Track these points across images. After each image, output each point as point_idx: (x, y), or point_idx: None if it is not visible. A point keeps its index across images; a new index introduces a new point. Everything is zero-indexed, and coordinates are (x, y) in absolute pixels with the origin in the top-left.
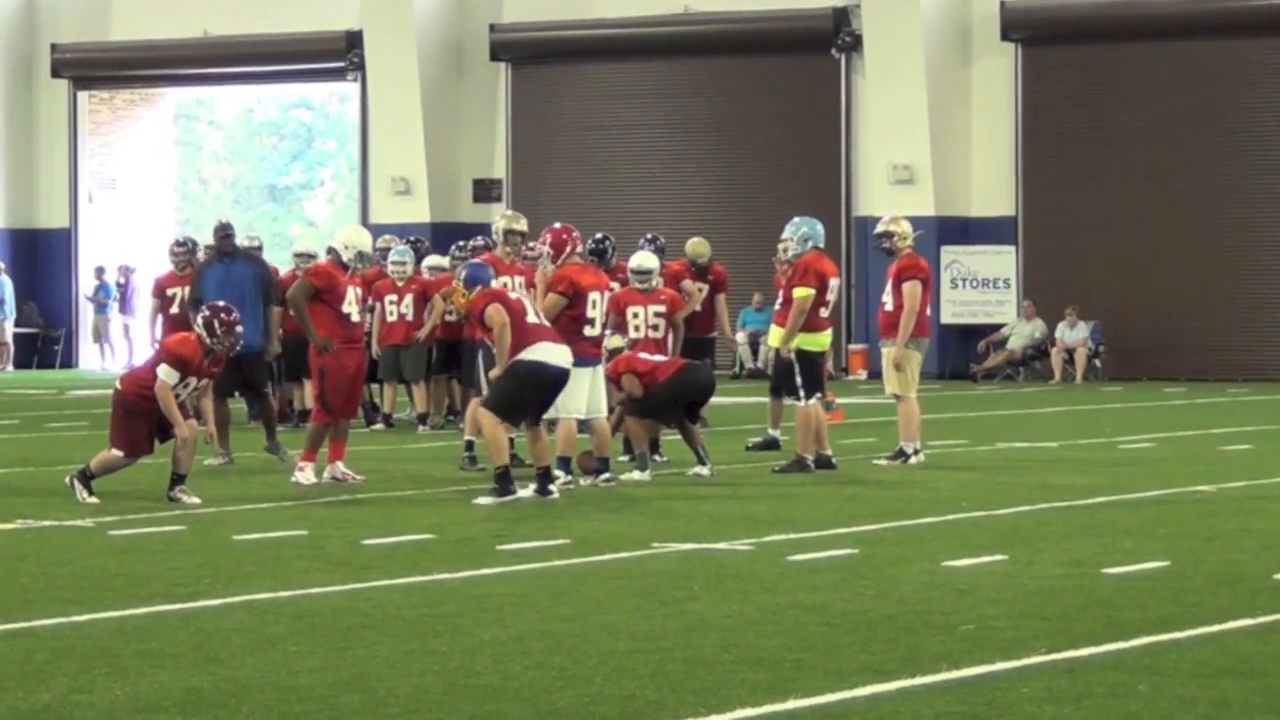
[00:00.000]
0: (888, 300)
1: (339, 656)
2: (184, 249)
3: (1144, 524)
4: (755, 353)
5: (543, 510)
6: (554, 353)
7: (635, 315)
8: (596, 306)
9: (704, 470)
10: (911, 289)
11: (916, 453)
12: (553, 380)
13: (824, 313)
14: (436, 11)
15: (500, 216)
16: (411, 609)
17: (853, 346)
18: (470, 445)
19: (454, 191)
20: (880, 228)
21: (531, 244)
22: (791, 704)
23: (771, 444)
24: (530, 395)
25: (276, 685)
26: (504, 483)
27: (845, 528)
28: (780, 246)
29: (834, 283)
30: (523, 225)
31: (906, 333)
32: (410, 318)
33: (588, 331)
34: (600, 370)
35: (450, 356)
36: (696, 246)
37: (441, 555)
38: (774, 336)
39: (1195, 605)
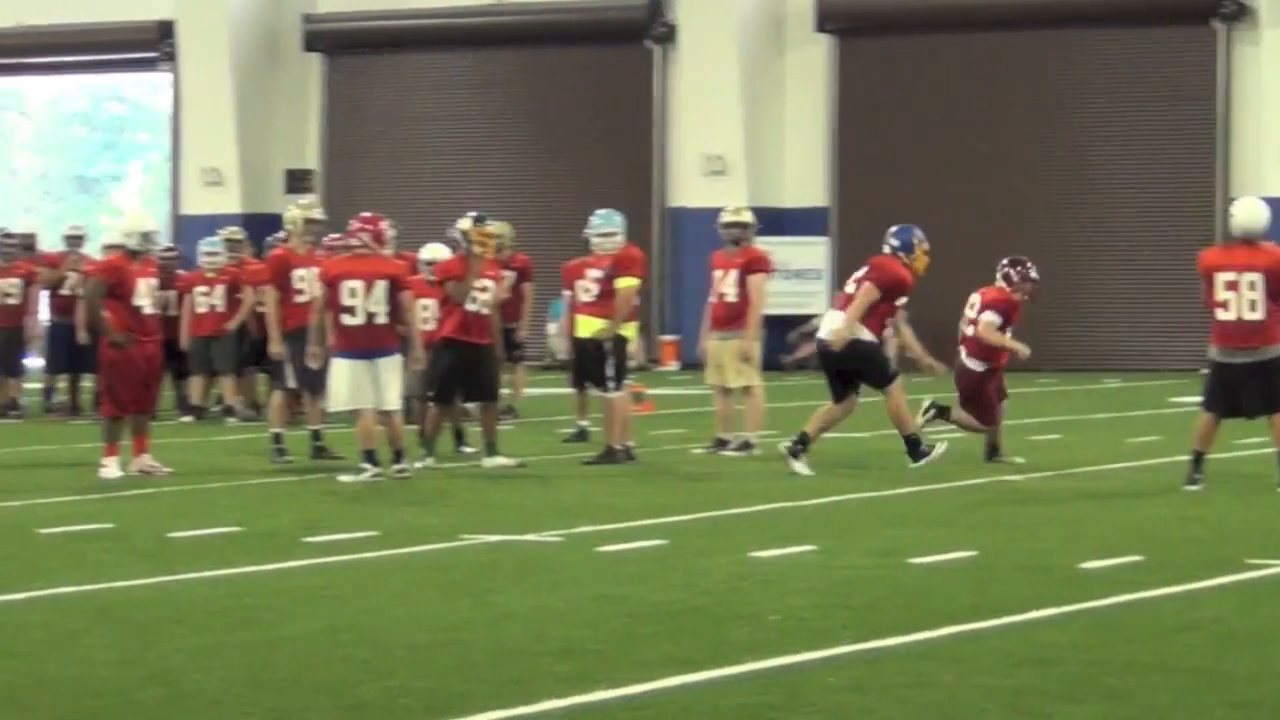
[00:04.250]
0: (729, 292)
1: (142, 651)
2: (14, 241)
3: (952, 514)
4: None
5: (351, 502)
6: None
7: (425, 308)
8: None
9: (502, 460)
10: (759, 282)
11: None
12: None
13: (635, 301)
14: (250, 1)
15: (293, 206)
16: (217, 602)
17: (664, 337)
18: (317, 435)
19: (266, 182)
20: (731, 218)
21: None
22: (598, 695)
23: (581, 435)
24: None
25: (76, 679)
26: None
27: (655, 519)
28: (594, 240)
29: None
30: (320, 213)
31: (756, 325)
32: (221, 309)
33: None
34: (390, 361)
35: (261, 349)
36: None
37: (248, 548)
38: (585, 326)
39: (1000, 595)
